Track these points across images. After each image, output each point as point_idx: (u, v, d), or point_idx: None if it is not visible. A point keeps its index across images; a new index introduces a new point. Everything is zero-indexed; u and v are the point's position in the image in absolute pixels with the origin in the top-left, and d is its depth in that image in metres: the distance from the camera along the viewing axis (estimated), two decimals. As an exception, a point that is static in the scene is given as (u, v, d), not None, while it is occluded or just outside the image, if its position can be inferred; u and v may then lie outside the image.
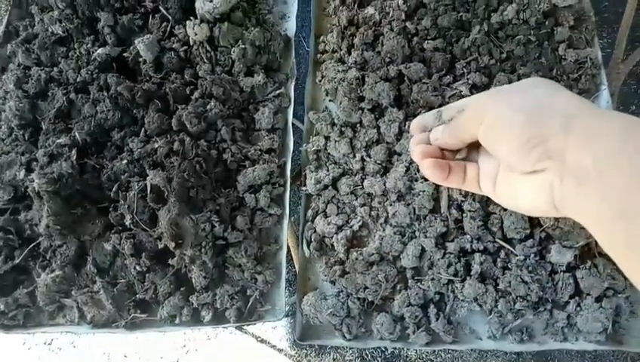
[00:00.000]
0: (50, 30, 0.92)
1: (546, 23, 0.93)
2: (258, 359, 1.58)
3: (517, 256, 0.77)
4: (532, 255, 0.76)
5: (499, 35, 0.93)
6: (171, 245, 0.73)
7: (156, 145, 0.79)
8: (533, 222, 0.79)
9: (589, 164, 0.35)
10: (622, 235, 0.33)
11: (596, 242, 0.76)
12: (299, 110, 0.93)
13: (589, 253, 0.77)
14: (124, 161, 0.78)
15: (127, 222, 0.74)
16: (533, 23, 0.92)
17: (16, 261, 0.76)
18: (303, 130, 0.92)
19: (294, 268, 1.20)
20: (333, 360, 1.51)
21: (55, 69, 0.89)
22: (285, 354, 1.58)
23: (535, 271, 0.75)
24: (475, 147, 0.51)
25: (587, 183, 0.35)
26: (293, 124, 0.90)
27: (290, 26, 1.00)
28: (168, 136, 0.81)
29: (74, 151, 0.78)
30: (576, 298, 0.75)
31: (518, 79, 0.87)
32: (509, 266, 0.76)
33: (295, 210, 1.30)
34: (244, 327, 1.54)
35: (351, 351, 1.54)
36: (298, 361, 1.56)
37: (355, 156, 0.86)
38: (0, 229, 0.76)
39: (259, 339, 1.59)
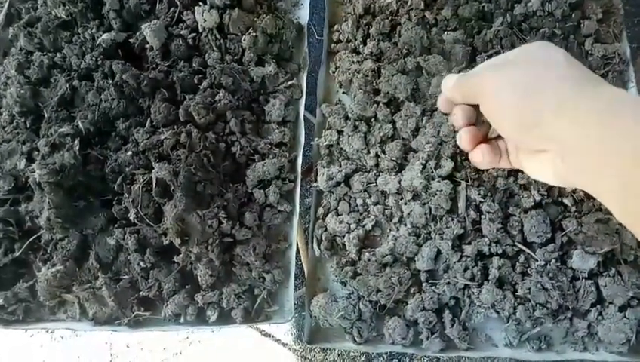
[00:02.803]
0: (53, 13, 0.88)
1: (573, 15, 0.88)
2: (262, 353, 1.57)
3: (537, 261, 0.73)
4: (553, 260, 0.73)
5: (522, 27, 0.88)
6: (177, 241, 0.70)
7: (162, 137, 0.76)
8: (555, 226, 0.75)
9: (586, 144, 0.36)
10: (633, 205, 0.34)
11: (621, 249, 0.73)
12: (309, 101, 0.89)
13: (613, 259, 0.74)
14: (129, 153, 0.75)
15: (132, 216, 0.71)
16: (559, 15, 0.88)
17: (16, 254, 0.73)
18: (315, 123, 0.89)
19: (299, 260, 1.17)
20: (338, 355, 1.48)
21: (58, 54, 0.86)
22: (289, 349, 1.55)
23: (556, 277, 0.71)
24: None
25: (587, 160, 0.36)
26: (304, 116, 0.87)
27: (303, 14, 0.95)
28: (175, 127, 0.78)
29: (77, 141, 0.75)
30: (598, 306, 0.72)
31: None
32: (529, 271, 0.73)
33: (302, 203, 1.27)
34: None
35: (356, 347, 1.52)
36: (302, 356, 1.54)
37: (369, 152, 0.82)
38: (0, 221, 0.73)
39: (263, 333, 1.57)
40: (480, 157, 0.50)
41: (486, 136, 0.51)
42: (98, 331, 0.73)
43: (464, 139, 0.50)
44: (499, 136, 0.50)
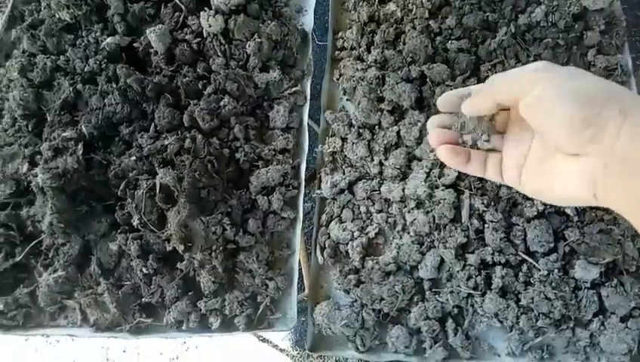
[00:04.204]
0: (57, 16, 0.88)
1: (576, 26, 0.89)
2: (259, 358, 1.55)
3: (540, 270, 0.73)
4: (555, 270, 0.73)
5: (526, 37, 0.89)
6: (180, 248, 0.70)
7: (166, 142, 0.75)
8: (558, 236, 0.75)
9: (637, 157, 0.35)
10: None
11: (624, 260, 0.73)
12: (312, 108, 0.89)
13: (616, 270, 0.74)
14: (133, 158, 0.75)
15: (135, 222, 0.71)
16: (562, 26, 0.88)
17: (17, 258, 0.72)
18: (318, 131, 0.88)
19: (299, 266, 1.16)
20: (336, 361, 1.48)
21: (62, 57, 0.86)
22: (287, 354, 1.55)
23: (559, 287, 0.72)
24: (499, 134, 0.50)
25: (635, 174, 0.35)
26: (307, 123, 0.87)
27: (308, 21, 0.96)
28: (179, 132, 0.78)
29: (80, 146, 0.74)
30: (601, 316, 0.72)
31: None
32: (532, 281, 0.73)
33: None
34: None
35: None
36: (300, 362, 1.53)
37: (372, 159, 0.82)
38: (1, 225, 0.73)
39: (260, 338, 1.56)
40: (442, 157, 0.50)
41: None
42: (98, 337, 0.72)
43: (431, 135, 0.51)
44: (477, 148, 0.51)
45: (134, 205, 0.72)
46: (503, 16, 0.90)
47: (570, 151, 0.40)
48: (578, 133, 0.38)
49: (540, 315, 0.71)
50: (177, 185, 0.71)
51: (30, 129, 0.80)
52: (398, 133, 0.83)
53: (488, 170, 0.50)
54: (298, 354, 1.54)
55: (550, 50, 0.87)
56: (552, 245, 0.74)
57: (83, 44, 0.86)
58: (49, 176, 0.70)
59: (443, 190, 0.77)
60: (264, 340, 1.56)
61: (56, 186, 0.71)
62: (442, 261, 0.75)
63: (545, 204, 0.76)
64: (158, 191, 0.71)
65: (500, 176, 0.49)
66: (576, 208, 0.76)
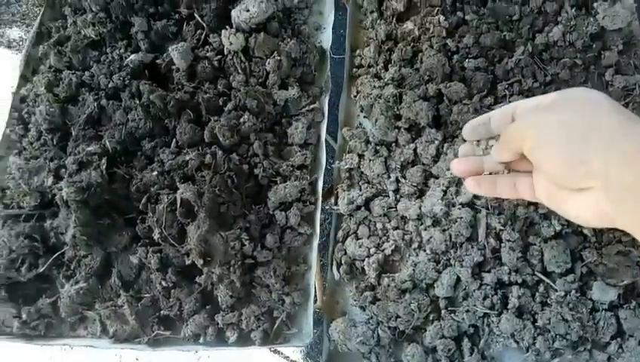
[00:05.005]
0: (82, 33, 0.91)
1: (594, 46, 0.89)
2: (271, 370, 1.56)
3: (557, 291, 0.73)
4: (573, 291, 0.73)
5: (543, 56, 0.89)
6: (199, 262, 0.71)
7: (187, 158, 0.77)
8: (575, 256, 0.75)
9: (632, 180, 0.37)
10: None
11: (642, 282, 0.73)
12: (329, 121, 0.90)
13: (634, 292, 0.74)
14: (155, 173, 0.76)
15: (156, 236, 0.72)
16: (580, 45, 0.89)
17: (40, 269, 0.74)
18: (335, 147, 0.89)
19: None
20: (348, 375, 1.48)
21: (87, 73, 0.88)
22: (299, 367, 1.55)
23: (576, 308, 0.71)
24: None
25: (632, 196, 0.38)
26: (325, 139, 0.88)
27: (326, 38, 0.97)
28: (200, 148, 0.79)
29: (104, 160, 0.76)
30: (618, 339, 0.71)
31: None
32: (549, 302, 0.73)
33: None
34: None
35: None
36: (311, 375, 1.53)
37: (389, 176, 0.83)
38: (26, 236, 0.75)
39: (272, 349, 1.57)
40: (472, 190, 0.55)
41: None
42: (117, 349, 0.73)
43: (454, 170, 0.56)
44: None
45: (155, 219, 0.73)
46: (520, 36, 0.90)
47: (572, 188, 0.43)
48: (571, 175, 0.42)
49: (557, 336, 0.71)
50: (198, 200, 0.72)
51: (55, 143, 0.82)
52: (414, 150, 0.84)
53: (520, 192, 0.52)
54: (310, 366, 1.55)
55: (568, 69, 0.87)
56: (569, 266, 0.74)
57: (107, 60, 0.89)
58: (73, 190, 0.72)
59: (460, 208, 0.77)
60: (275, 351, 1.56)
61: (80, 200, 0.72)
62: (458, 279, 0.75)
63: (562, 224, 0.76)
64: (178, 205, 0.73)
65: (533, 194, 0.51)
66: (593, 229, 0.76)
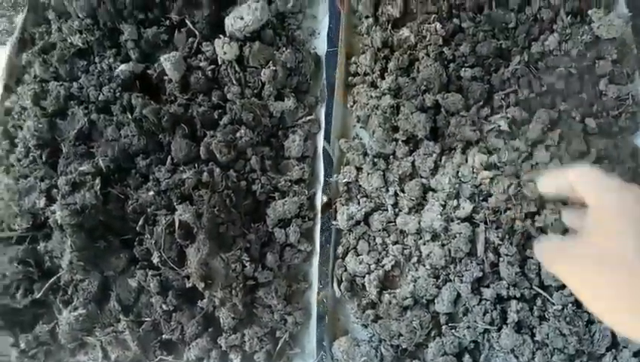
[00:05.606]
0: (69, 41, 0.87)
1: (588, 55, 0.89)
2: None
3: (554, 304, 0.75)
4: (569, 304, 0.74)
5: (539, 65, 0.89)
6: (200, 286, 0.70)
7: (184, 176, 0.75)
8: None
9: None
10: None
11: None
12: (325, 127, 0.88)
13: (628, 304, 0.76)
14: (151, 193, 0.74)
15: (155, 260, 0.71)
16: (575, 54, 0.89)
17: (37, 295, 0.72)
18: (331, 153, 0.88)
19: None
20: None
21: (75, 84, 0.84)
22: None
23: (573, 322, 0.73)
24: None
25: None
26: (324, 148, 0.86)
27: (321, 44, 0.95)
28: (196, 165, 0.77)
29: (97, 180, 0.74)
30: (613, 350, 0.73)
31: (559, 115, 0.84)
32: (546, 316, 0.74)
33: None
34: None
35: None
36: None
37: (388, 190, 0.83)
38: (19, 261, 0.72)
39: None
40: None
41: None
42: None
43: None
44: None
45: (154, 241, 0.72)
46: (516, 44, 0.90)
47: None
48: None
49: (555, 350, 0.72)
50: (197, 221, 0.71)
51: (45, 160, 0.79)
52: (412, 163, 0.83)
53: None
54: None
55: (563, 79, 0.87)
56: (565, 279, 0.75)
57: (96, 70, 0.85)
58: (68, 213, 0.70)
59: (459, 223, 0.78)
60: None
61: (75, 223, 0.70)
62: (458, 295, 0.76)
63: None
64: (177, 227, 0.71)
65: None
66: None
